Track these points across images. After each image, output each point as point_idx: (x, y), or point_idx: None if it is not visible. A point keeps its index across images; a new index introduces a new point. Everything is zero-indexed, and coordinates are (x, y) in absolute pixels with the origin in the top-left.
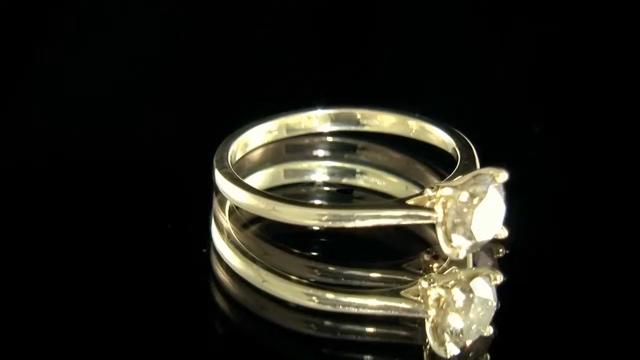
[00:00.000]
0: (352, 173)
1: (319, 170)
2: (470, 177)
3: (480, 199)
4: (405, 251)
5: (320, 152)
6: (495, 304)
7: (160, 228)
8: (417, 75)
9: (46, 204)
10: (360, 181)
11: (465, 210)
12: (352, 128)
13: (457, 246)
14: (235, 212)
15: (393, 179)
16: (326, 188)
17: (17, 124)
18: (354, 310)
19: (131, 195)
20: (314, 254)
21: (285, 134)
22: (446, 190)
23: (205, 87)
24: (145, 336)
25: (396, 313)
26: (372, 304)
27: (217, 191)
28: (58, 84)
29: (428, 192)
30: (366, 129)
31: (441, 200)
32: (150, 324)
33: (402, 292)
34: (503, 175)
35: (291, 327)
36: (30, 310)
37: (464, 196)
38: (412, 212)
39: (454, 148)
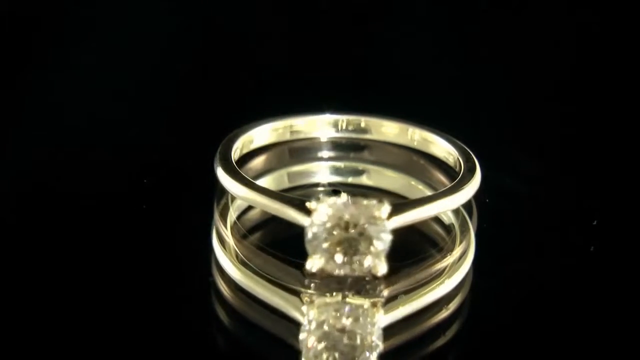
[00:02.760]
0: (355, 172)
1: (322, 172)
2: (351, 202)
3: (347, 226)
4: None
5: (322, 154)
6: (354, 334)
7: (161, 229)
8: (423, 83)
9: (46, 204)
10: (364, 179)
11: (327, 228)
12: (354, 135)
13: (313, 257)
14: (237, 223)
15: (396, 176)
16: (321, 188)
17: (18, 122)
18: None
19: (132, 195)
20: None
21: (289, 137)
22: (313, 204)
23: (210, 92)
24: (145, 342)
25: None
26: (269, 295)
27: (220, 196)
28: (59, 83)
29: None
30: (368, 136)
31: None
32: (150, 330)
33: (302, 295)
34: (385, 210)
35: (286, 335)
36: (24, 310)
37: (320, 216)
38: (288, 211)
39: (457, 159)
